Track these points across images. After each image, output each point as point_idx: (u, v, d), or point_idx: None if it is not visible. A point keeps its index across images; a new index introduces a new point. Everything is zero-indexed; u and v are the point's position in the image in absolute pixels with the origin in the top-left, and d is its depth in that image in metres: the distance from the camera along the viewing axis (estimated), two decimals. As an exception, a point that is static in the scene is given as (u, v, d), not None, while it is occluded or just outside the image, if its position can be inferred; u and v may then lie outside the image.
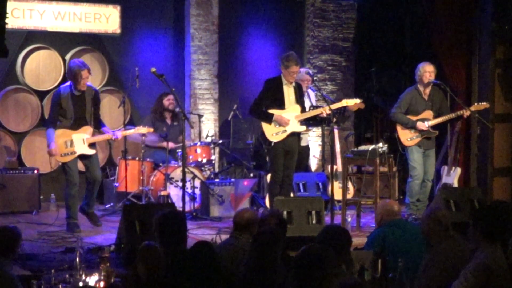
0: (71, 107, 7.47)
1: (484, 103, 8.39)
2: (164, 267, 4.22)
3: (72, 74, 7.50)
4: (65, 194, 7.58)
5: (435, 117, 8.17)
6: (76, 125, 7.54)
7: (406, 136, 8.16)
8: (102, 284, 4.54)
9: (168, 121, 9.23)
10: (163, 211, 5.00)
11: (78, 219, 7.53)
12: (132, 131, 8.11)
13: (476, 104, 8.43)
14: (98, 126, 7.79)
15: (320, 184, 8.79)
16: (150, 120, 9.10)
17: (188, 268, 4.17)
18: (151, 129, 8.23)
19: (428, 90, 8.20)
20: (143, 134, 8.37)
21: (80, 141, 7.51)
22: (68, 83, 7.58)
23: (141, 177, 8.54)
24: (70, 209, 7.50)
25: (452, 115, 8.16)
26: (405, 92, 8.32)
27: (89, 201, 7.67)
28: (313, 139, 10.28)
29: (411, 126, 8.14)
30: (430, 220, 4.88)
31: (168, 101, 9.19)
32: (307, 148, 9.34)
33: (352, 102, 7.89)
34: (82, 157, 7.59)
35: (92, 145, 7.62)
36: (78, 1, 9.59)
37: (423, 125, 8.09)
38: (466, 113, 8.13)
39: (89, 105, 7.58)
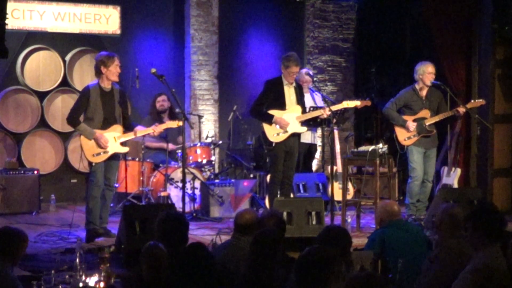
0: (100, 104, 7.03)
1: (480, 100, 8.39)
2: (167, 268, 4.20)
3: (102, 63, 7.01)
4: (87, 196, 7.14)
5: (432, 116, 8.17)
6: (106, 124, 7.11)
7: (404, 136, 8.15)
8: (102, 284, 4.55)
9: (166, 121, 9.19)
10: (166, 212, 4.97)
11: (99, 224, 7.08)
12: (164, 126, 7.52)
13: (472, 101, 8.43)
14: (129, 127, 7.34)
15: (320, 184, 8.80)
16: (149, 121, 9.07)
17: (183, 269, 4.16)
18: (181, 123, 7.31)
19: (425, 90, 8.20)
20: (143, 135, 8.35)
21: (112, 139, 7.09)
22: (95, 81, 7.12)
23: (141, 178, 8.55)
24: (91, 213, 7.01)
25: (449, 113, 8.16)
26: (402, 91, 8.32)
27: (101, 212, 7.15)
28: (313, 140, 10.28)
29: (401, 125, 8.13)
30: (446, 214, 4.87)
31: (158, 103, 9.20)
32: (314, 147, 9.34)
33: (353, 104, 7.91)
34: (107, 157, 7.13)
35: (123, 144, 7.21)
36: (78, 2, 9.59)
37: (413, 127, 8.07)
38: (461, 109, 8.12)
39: (117, 103, 7.17)
